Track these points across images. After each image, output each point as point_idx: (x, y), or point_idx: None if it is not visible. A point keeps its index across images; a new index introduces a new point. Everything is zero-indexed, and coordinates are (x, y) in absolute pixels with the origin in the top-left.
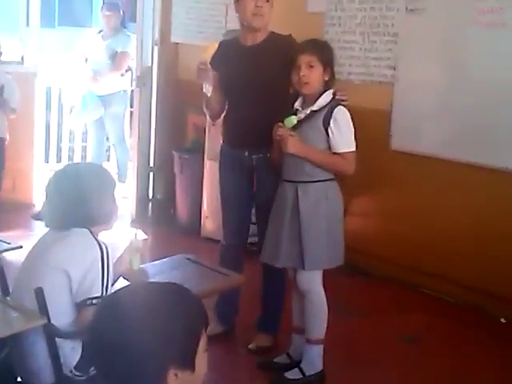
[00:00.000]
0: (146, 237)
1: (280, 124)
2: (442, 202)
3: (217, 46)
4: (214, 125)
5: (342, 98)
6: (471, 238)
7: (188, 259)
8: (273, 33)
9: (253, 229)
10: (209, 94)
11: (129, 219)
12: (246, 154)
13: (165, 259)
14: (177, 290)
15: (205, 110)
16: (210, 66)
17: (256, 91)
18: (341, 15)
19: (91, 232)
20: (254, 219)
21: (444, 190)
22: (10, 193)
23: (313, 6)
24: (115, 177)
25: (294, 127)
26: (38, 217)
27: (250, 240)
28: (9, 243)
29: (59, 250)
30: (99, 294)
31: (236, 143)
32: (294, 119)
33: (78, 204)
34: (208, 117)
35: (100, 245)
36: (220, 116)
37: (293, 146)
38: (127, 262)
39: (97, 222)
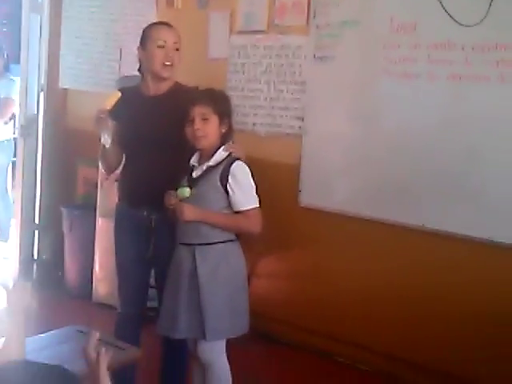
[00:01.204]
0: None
1: (172, 192)
2: (355, 263)
3: (119, 94)
4: (107, 179)
5: (234, 151)
6: (386, 302)
7: (79, 331)
8: (178, 83)
9: (151, 293)
10: (107, 146)
11: (11, 283)
12: (145, 213)
13: (53, 331)
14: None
15: (100, 161)
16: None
17: (156, 145)
18: (244, 62)
19: None
20: (152, 282)
21: (357, 249)
22: None
23: (214, 51)
24: None
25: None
26: None
27: (148, 305)
28: None
29: None
30: None
31: (133, 201)
32: (186, 192)
33: None
34: (103, 170)
35: None
36: (116, 169)
37: (189, 214)
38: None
39: None
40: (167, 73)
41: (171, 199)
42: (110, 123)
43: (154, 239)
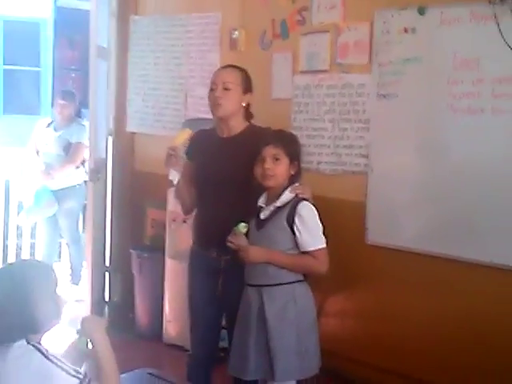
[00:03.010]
0: None
1: (234, 231)
2: (423, 300)
3: (189, 132)
4: (174, 220)
5: (300, 192)
6: (455, 340)
7: (150, 374)
8: (251, 125)
9: (222, 333)
10: (175, 182)
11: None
12: (215, 254)
13: (124, 374)
14: None
15: (176, 200)
16: (184, 156)
17: (227, 186)
18: (308, 102)
19: (28, 341)
20: (223, 323)
21: (425, 286)
22: None
23: (277, 92)
24: (68, 278)
25: (247, 232)
26: None
27: (219, 345)
28: None
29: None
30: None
31: (204, 242)
32: (242, 228)
33: (13, 314)
34: (181, 211)
35: (39, 349)
36: (193, 210)
37: (254, 255)
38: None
39: (36, 329)
40: (218, 112)
41: (234, 239)
42: (180, 160)
43: (223, 280)
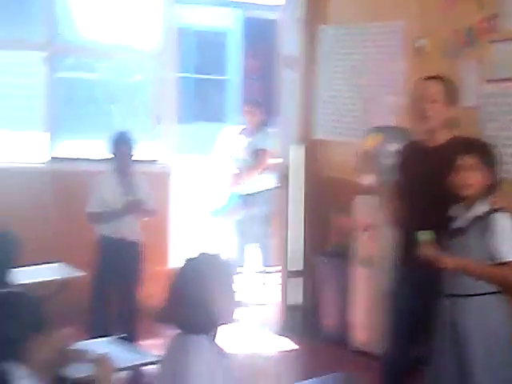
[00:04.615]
0: (295, 347)
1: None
2: None
3: (380, 137)
4: (365, 230)
5: (496, 202)
6: None
7: (347, 379)
8: (457, 136)
9: None
10: (365, 183)
11: (273, 327)
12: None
13: (317, 379)
14: None
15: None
16: (394, 169)
17: (427, 196)
18: (496, 110)
19: (211, 336)
20: None
21: None
22: (147, 299)
23: (466, 99)
24: (256, 282)
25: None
26: None
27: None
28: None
29: (183, 366)
30: None
31: (408, 252)
32: (424, 235)
33: (198, 307)
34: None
35: (219, 351)
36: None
37: (447, 262)
38: None
39: (214, 322)
40: (423, 125)
41: (424, 249)
42: (372, 165)
43: (422, 291)
